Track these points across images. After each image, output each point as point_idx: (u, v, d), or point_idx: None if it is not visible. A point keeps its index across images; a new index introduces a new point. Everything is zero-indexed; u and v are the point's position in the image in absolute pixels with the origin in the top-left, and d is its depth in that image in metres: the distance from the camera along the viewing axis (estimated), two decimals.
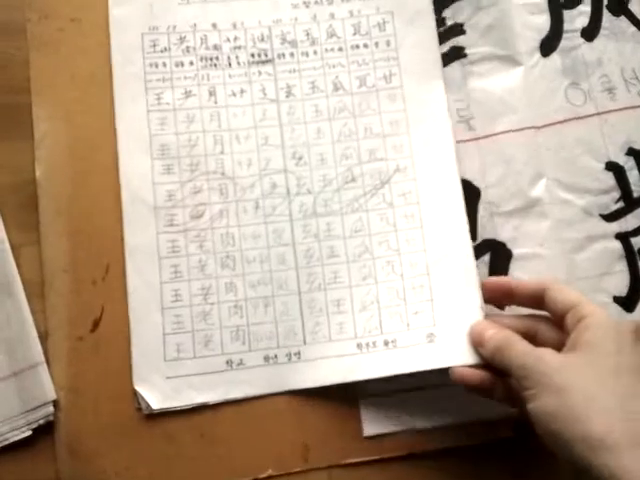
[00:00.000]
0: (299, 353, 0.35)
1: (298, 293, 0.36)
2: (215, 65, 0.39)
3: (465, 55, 0.40)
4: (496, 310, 0.36)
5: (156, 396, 0.34)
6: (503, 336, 0.32)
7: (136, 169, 0.37)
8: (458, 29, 0.40)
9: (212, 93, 0.38)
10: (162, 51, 0.38)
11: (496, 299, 0.35)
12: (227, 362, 0.35)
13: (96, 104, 0.37)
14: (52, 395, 0.34)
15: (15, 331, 0.34)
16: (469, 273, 0.36)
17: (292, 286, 0.36)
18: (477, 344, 0.33)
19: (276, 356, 0.35)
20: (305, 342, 0.36)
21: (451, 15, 0.40)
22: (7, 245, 0.35)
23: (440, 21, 0.40)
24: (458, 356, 0.34)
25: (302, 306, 0.36)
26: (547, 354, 0.30)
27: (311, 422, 0.35)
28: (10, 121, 0.37)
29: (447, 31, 0.40)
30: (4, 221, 0.35)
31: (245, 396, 0.35)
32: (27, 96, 0.37)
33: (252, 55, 0.39)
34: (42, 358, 0.34)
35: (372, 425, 0.36)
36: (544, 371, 0.29)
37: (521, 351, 0.30)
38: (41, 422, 0.33)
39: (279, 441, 0.35)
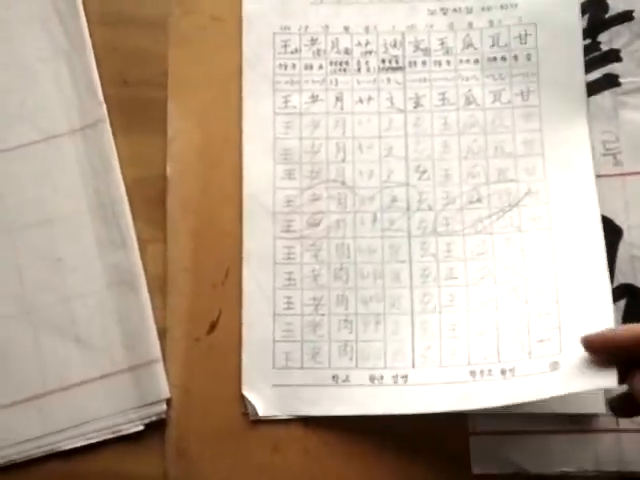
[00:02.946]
0: (406, 377, 0.34)
1: (411, 313, 0.35)
2: (344, 70, 0.38)
3: (619, 84, 0.37)
4: None
5: (262, 403, 0.34)
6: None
7: (258, 172, 0.37)
8: (614, 55, 0.37)
9: (339, 99, 0.37)
10: (293, 52, 0.38)
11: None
12: (333, 377, 0.34)
13: (228, 105, 0.37)
14: (166, 393, 0.34)
15: (135, 326, 0.34)
16: (605, 309, 0.33)
17: (405, 305, 0.35)
18: (606, 345, 0.29)
19: (382, 377, 0.34)
20: (414, 365, 0.34)
21: (607, 40, 0.37)
22: (134, 239, 0.35)
23: (594, 45, 0.37)
24: (583, 382, 0.31)
25: (414, 327, 0.35)
26: None
27: (417, 453, 0.34)
28: (144, 115, 0.37)
29: (601, 57, 0.37)
30: (132, 214, 0.36)
31: (348, 414, 0.34)
32: (162, 91, 0.37)
33: (383, 61, 0.38)
34: (159, 355, 0.34)
35: (481, 463, 0.34)
36: None
37: None
38: (153, 418, 0.34)
39: (383, 470, 0.34)
